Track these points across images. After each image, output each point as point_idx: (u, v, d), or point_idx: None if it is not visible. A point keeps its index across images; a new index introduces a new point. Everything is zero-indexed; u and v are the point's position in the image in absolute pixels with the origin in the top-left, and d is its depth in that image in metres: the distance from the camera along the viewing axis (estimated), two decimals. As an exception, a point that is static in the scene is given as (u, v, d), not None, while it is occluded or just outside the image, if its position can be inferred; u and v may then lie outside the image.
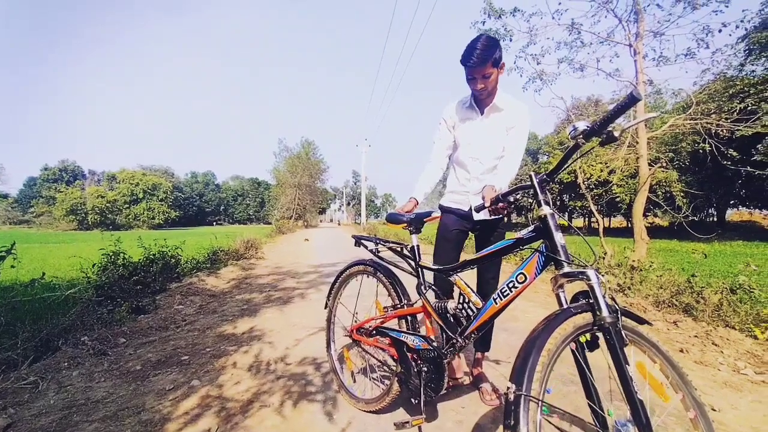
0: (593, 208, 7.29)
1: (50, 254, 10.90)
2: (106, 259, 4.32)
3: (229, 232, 11.57)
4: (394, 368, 1.70)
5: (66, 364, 2.42)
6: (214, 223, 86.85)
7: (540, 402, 0.90)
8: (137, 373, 2.35)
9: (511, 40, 6.76)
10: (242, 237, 9.96)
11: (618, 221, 35.82)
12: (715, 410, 1.85)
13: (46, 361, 2.43)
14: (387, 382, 1.77)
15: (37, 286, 3.32)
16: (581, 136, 1.10)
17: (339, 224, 67.47)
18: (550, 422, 1.15)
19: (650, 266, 4.50)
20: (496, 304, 1.28)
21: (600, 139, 1.09)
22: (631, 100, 0.98)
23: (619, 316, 1.01)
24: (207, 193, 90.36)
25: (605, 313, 1.00)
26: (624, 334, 1.01)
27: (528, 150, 42.08)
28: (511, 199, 1.33)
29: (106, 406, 1.93)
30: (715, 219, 26.29)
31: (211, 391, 2.09)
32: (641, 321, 1.10)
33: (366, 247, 1.89)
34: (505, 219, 2.02)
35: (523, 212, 42.40)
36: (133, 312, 3.60)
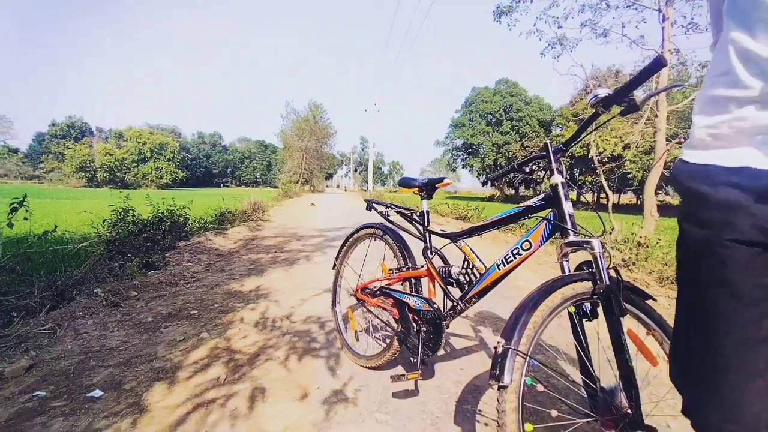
0: (604, 183, 7.17)
1: (62, 209, 11.11)
2: (116, 216, 4.39)
3: (236, 194, 11.66)
4: (395, 328, 1.76)
5: (81, 313, 2.52)
6: (222, 185, 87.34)
7: (527, 357, 0.93)
8: (149, 324, 2.45)
9: (532, 1, 6.41)
10: (249, 199, 10.03)
11: (628, 198, 35.42)
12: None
13: (62, 310, 2.54)
14: (388, 340, 1.83)
15: (50, 239, 3.40)
16: (601, 104, 1.05)
17: (345, 190, 67.55)
18: (541, 383, 1.21)
19: (657, 243, 4.48)
20: (499, 270, 1.28)
21: (621, 108, 1.05)
22: (656, 65, 0.92)
23: (620, 287, 1.02)
24: (214, 154, 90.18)
25: (605, 282, 1.01)
26: (624, 306, 1.02)
27: (541, 121, 40.86)
28: (527, 169, 1.29)
29: (120, 354, 2.03)
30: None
31: (220, 343, 2.18)
32: (646, 296, 1.10)
33: (377, 210, 1.92)
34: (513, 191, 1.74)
35: (532, 185, 42.00)
36: (144, 267, 3.70)
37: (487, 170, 44.24)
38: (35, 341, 2.10)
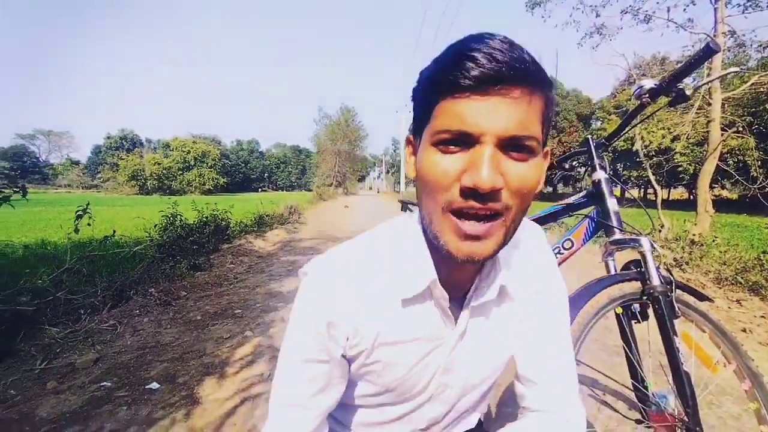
0: (651, 177, 6.72)
1: (117, 215, 12.02)
2: (165, 221, 4.69)
3: (273, 198, 12.08)
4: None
5: (138, 311, 2.73)
6: (259, 190, 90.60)
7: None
8: (198, 322, 2.60)
9: (567, -9, 6.17)
10: (285, 202, 10.37)
11: (679, 193, 33.03)
12: (775, 392, 1.75)
13: (122, 308, 2.75)
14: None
15: (109, 243, 3.70)
16: (647, 95, 1.01)
17: (378, 192, 68.00)
18: (587, 387, 1.17)
19: (713, 241, 4.16)
20: (540, 270, 1.26)
21: (669, 99, 1.00)
22: (707, 52, 0.87)
23: (673, 288, 0.96)
24: (252, 160, 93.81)
25: (656, 282, 0.95)
26: (676, 307, 0.96)
27: (579, 114, 39.06)
28: (567, 165, 1.26)
29: (173, 349, 2.17)
30: (797, 192, 23.45)
31: (263, 341, 2.28)
32: (701, 297, 1.03)
33: (411, 210, 1.92)
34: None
35: (571, 182, 40.26)
36: (191, 269, 3.93)
37: (523, 168, 42.71)
38: (100, 336, 2.30)
